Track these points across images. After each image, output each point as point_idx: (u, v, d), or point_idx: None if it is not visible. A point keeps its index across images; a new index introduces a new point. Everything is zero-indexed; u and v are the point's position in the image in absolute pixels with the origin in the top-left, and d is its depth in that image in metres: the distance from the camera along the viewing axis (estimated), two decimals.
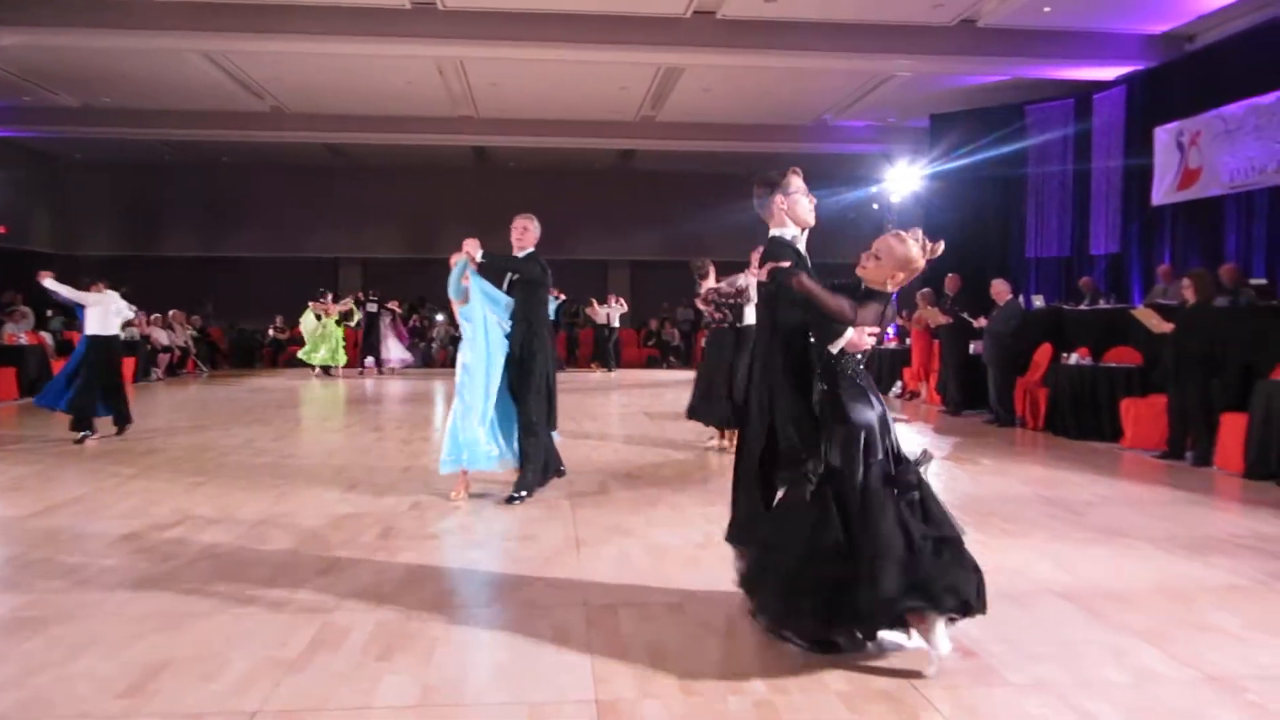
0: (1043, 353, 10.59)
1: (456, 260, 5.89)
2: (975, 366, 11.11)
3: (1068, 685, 3.10)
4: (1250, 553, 4.85)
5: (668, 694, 3.03)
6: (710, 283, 8.67)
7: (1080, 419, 9.29)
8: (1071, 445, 8.92)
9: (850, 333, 3.40)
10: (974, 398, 11.26)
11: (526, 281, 6.05)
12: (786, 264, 3.53)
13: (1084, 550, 4.88)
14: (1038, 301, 12.66)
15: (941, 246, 3.50)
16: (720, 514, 5.65)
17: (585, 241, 23.24)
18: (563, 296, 16.71)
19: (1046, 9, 12.10)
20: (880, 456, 3.34)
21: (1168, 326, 7.89)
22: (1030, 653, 3.38)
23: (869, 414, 3.38)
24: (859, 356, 3.48)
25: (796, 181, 3.83)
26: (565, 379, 17.25)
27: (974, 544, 4.97)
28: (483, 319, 5.89)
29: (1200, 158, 12.35)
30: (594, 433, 9.57)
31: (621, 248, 24.13)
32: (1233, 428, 7.30)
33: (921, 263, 3.46)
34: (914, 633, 3.30)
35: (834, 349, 3.43)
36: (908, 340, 13.89)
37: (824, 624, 3.30)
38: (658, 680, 3.14)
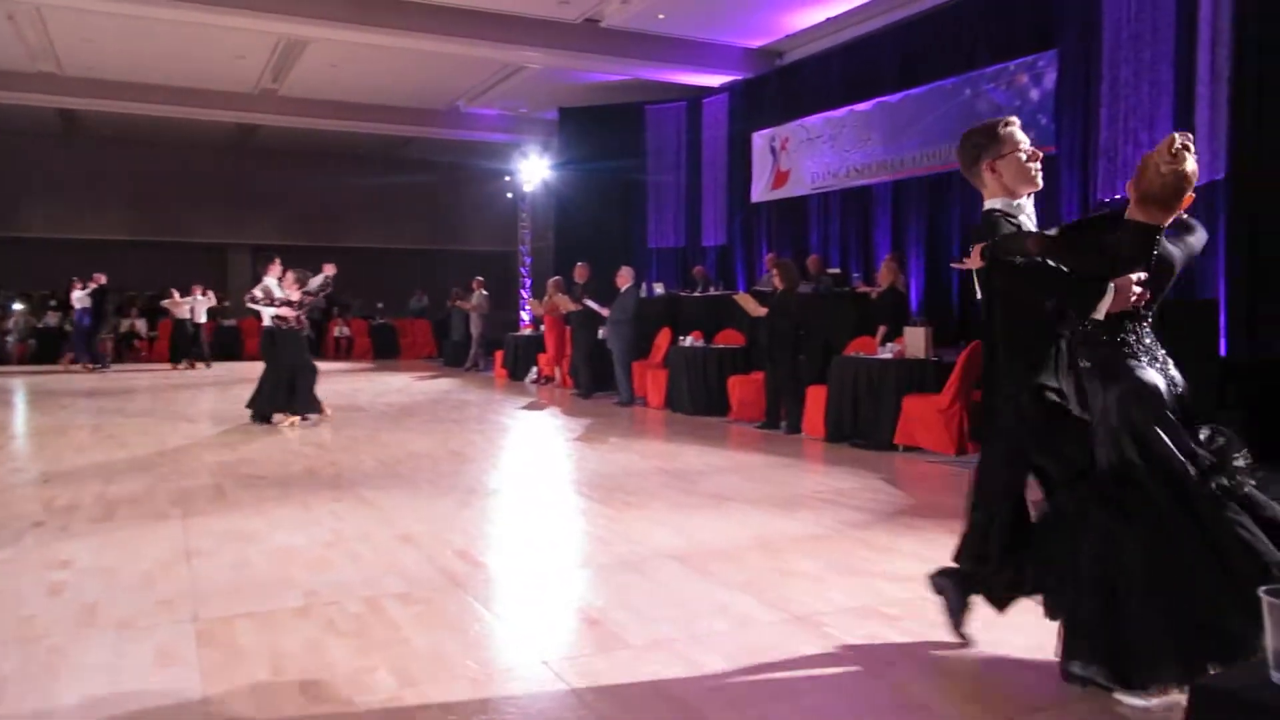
0: (663, 336, 11.42)
1: None
2: (604, 351, 11.71)
3: (682, 641, 3.37)
4: (830, 505, 5.59)
5: (290, 705, 2.87)
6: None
7: (694, 396, 10.13)
8: (688, 420, 9.71)
9: (1111, 289, 2.69)
10: (603, 380, 11.86)
11: None
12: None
13: (695, 516, 5.33)
14: (658, 289, 13.62)
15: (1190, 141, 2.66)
16: (348, 510, 5.49)
17: (202, 223, 21.30)
18: None
19: (661, 15, 12.99)
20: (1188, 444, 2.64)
21: (761, 310, 8.85)
22: (649, 616, 3.63)
23: (1161, 385, 2.71)
24: (1131, 318, 2.75)
25: (1013, 134, 3.02)
26: (156, 376, 15.76)
27: (602, 517, 5.28)
28: None
29: (789, 161, 13.96)
30: (200, 434, 8.81)
31: (243, 230, 22.37)
32: (816, 398, 8.35)
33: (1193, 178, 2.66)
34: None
35: (1099, 314, 2.73)
36: (541, 327, 14.31)
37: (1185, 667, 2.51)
38: (279, 692, 2.96)
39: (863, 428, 7.79)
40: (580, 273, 12.45)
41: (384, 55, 14.28)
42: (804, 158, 13.67)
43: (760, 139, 14.49)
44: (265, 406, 9.16)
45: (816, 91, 13.55)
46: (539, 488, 6.49)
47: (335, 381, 14.00)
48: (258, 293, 9.10)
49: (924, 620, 3.49)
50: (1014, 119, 3.07)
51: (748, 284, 13.84)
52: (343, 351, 20.86)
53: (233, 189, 21.92)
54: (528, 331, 15.49)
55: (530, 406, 11.36)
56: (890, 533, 4.90)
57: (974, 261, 2.94)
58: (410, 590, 3.96)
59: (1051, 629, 2.94)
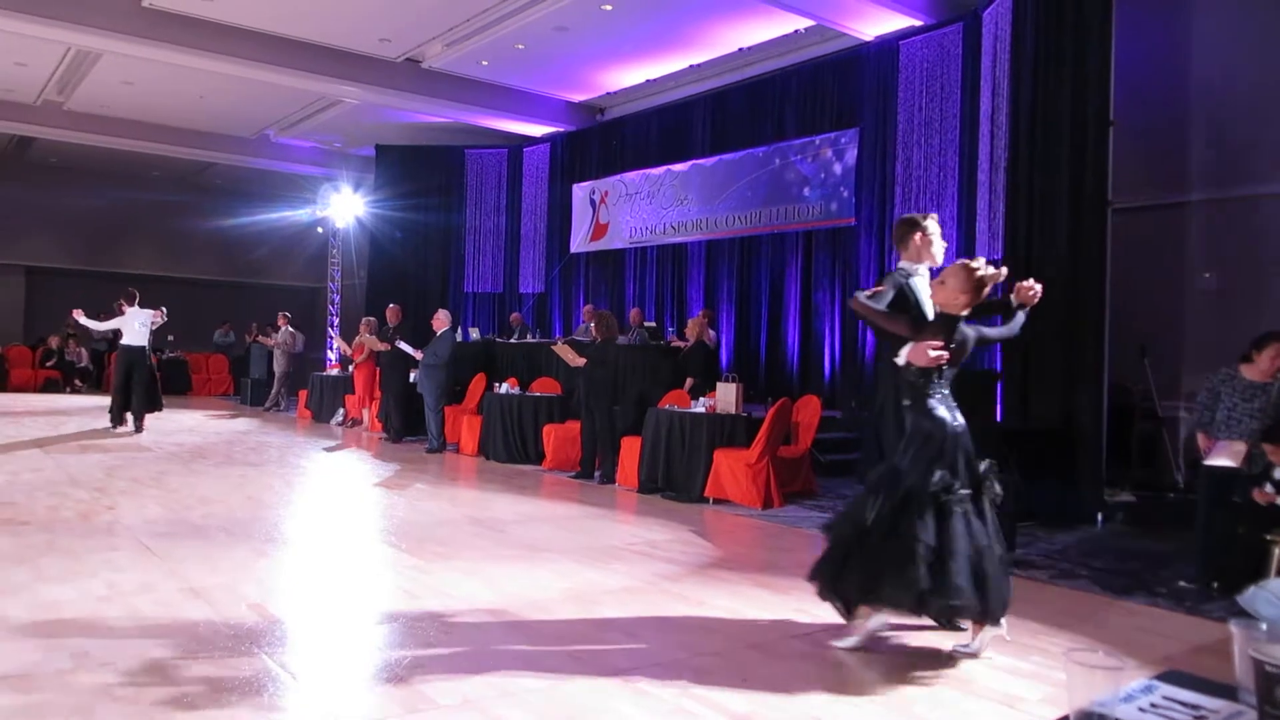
0: (477, 382, 11.26)
1: None
2: (415, 395, 11.41)
3: (491, 698, 3.27)
4: (643, 558, 5.63)
5: None
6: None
7: (508, 444, 10.02)
8: (501, 469, 9.58)
9: (907, 348, 3.80)
10: (414, 425, 11.54)
11: None
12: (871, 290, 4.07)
13: (507, 566, 5.24)
14: (474, 334, 13.46)
15: (1005, 272, 3.85)
16: (128, 560, 5.04)
17: None
18: None
19: (484, 63, 13.03)
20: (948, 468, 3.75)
21: (580, 360, 8.91)
22: (459, 673, 3.51)
23: (941, 428, 3.79)
24: (937, 374, 3.82)
25: (936, 226, 4.40)
26: None
27: (410, 569, 5.10)
28: None
29: (608, 214, 14.25)
30: None
31: (14, 251, 20.38)
32: (630, 449, 8.45)
33: (986, 287, 3.81)
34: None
35: (899, 361, 3.86)
36: (351, 368, 13.79)
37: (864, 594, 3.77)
38: None
39: (675, 480, 7.94)
40: (393, 314, 12.12)
41: (187, 76, 13.50)
42: (622, 212, 13.99)
43: (580, 190, 14.73)
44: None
45: (636, 148, 13.96)
46: (343, 537, 6.19)
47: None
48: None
49: (735, 674, 3.57)
50: (934, 215, 4.45)
51: (565, 332, 13.91)
52: None
53: (2, 205, 19.97)
54: (334, 371, 14.87)
55: (335, 449, 10.87)
56: (701, 585, 4.99)
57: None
58: (198, 649, 3.66)
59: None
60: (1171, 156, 8.96)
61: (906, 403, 3.90)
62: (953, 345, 3.78)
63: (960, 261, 3.80)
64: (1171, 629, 4.54)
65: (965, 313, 3.83)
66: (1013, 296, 4.04)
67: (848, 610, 3.90)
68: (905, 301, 4.21)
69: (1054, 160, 7.70)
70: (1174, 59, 8.99)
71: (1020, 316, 4.02)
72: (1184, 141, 8.91)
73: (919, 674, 3.65)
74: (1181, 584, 5.26)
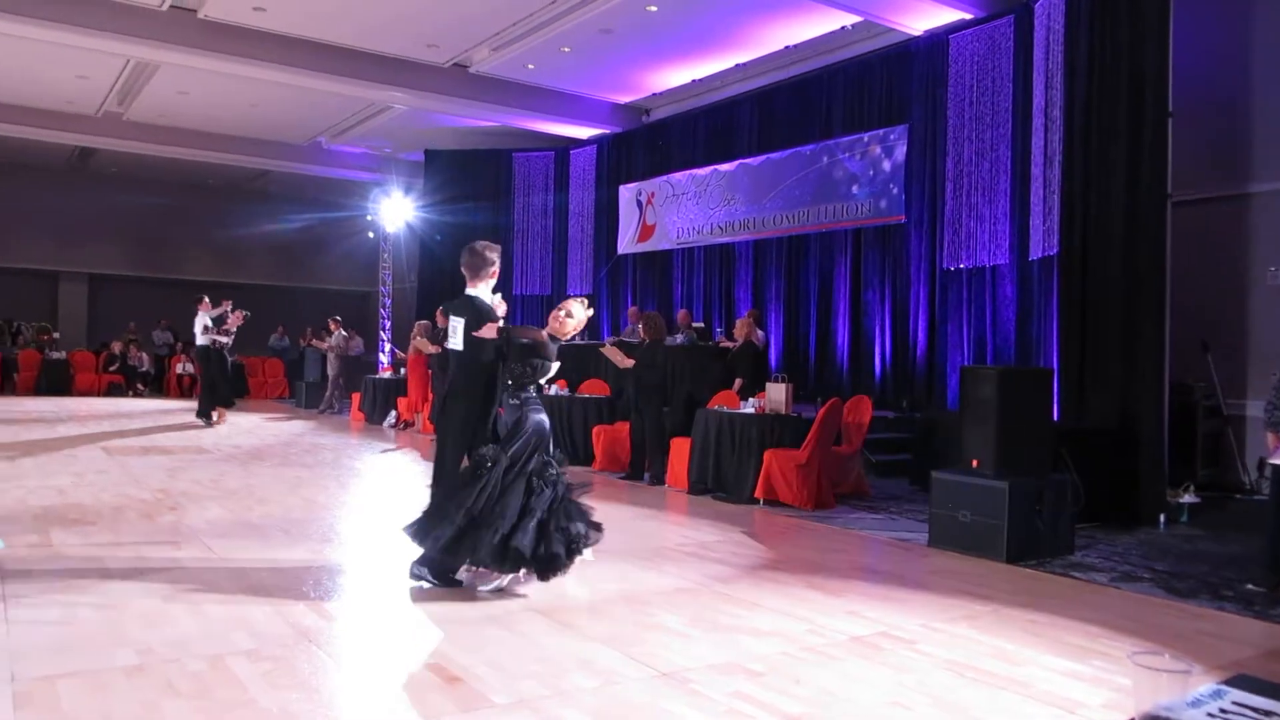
0: None
1: None
2: None
3: (545, 697, 3.30)
4: (694, 559, 5.63)
5: None
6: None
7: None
8: None
9: (554, 366, 4.87)
10: None
11: None
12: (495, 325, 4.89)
13: None
14: None
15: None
16: (190, 559, 5.16)
17: (32, 249, 19.90)
18: None
19: (530, 66, 13.11)
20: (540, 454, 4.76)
21: (629, 362, 8.92)
22: (513, 672, 3.54)
23: (545, 422, 4.85)
24: (535, 385, 4.88)
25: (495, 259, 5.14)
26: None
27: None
28: None
29: (655, 215, 14.25)
30: (32, 471, 8.15)
31: (79, 259, 20.99)
32: (680, 450, 8.44)
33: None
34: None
35: (543, 380, 4.89)
36: (403, 370, 13.95)
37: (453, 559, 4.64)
38: None
39: (725, 481, 7.91)
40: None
41: (241, 85, 13.80)
42: (669, 213, 13.98)
43: (627, 192, 14.75)
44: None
45: (682, 149, 13.94)
46: (396, 537, 6.26)
47: (177, 420, 13.22)
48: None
49: (788, 677, 3.54)
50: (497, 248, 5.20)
51: (612, 334, 13.94)
52: (185, 389, 19.71)
53: (67, 215, 20.59)
54: (387, 374, 15.07)
55: (389, 451, 11.01)
56: (754, 587, 4.97)
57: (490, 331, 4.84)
58: (258, 646, 3.73)
59: None
60: (1233, 146, 8.72)
61: (514, 401, 4.83)
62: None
63: (575, 299, 5.10)
64: (1240, 633, 4.41)
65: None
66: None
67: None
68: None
69: (1111, 153, 7.53)
70: (1234, 46, 8.75)
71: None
72: (1247, 130, 8.67)
73: (976, 678, 3.60)
74: (1250, 587, 5.11)
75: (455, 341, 4.95)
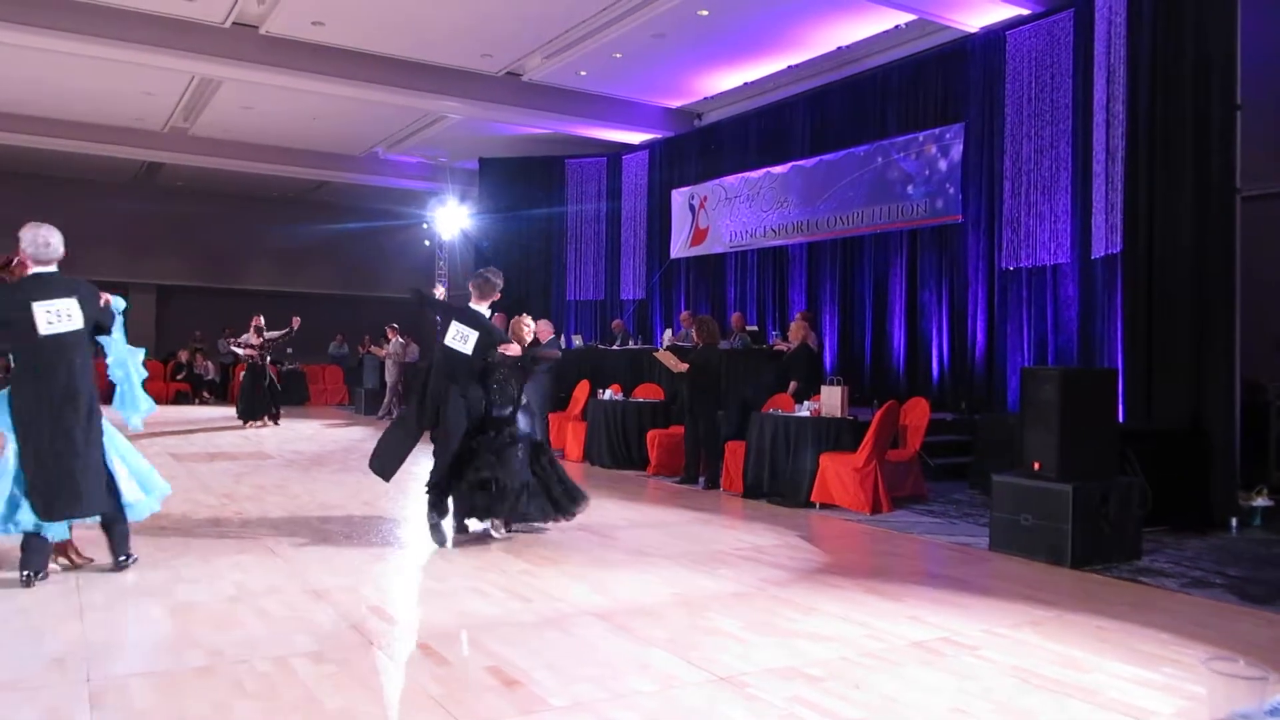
0: (581, 389, 11.38)
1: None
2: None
3: (603, 700, 3.31)
4: (750, 563, 5.60)
5: None
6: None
7: (613, 450, 10.09)
8: (606, 474, 9.65)
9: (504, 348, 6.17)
10: None
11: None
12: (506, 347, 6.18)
13: (615, 572, 5.28)
14: (577, 341, 13.61)
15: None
16: (256, 562, 5.28)
17: (102, 261, 20.50)
18: None
19: (582, 73, 13.18)
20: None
21: (683, 366, 8.91)
22: (571, 675, 3.56)
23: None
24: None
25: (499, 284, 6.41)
26: None
27: (521, 573, 5.19)
28: None
29: (708, 219, 14.23)
30: None
31: (146, 270, 21.63)
32: (734, 454, 8.41)
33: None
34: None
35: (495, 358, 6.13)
36: None
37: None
38: None
39: (780, 485, 7.86)
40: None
41: (301, 99, 14.11)
42: (722, 216, 13.95)
43: (679, 196, 14.75)
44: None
45: (734, 152, 13.90)
46: (454, 541, 6.34)
47: (238, 427, 13.55)
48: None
49: (847, 682, 3.51)
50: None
51: (665, 339, 13.94)
52: None
53: (135, 227, 21.23)
54: None
55: None
56: (811, 591, 4.93)
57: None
58: (322, 649, 3.81)
59: None
60: None
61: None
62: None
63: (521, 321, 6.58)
64: None
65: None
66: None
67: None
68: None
69: (1177, 147, 7.33)
70: None
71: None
72: None
73: (1041, 685, 3.53)
74: None
75: (465, 347, 6.03)
